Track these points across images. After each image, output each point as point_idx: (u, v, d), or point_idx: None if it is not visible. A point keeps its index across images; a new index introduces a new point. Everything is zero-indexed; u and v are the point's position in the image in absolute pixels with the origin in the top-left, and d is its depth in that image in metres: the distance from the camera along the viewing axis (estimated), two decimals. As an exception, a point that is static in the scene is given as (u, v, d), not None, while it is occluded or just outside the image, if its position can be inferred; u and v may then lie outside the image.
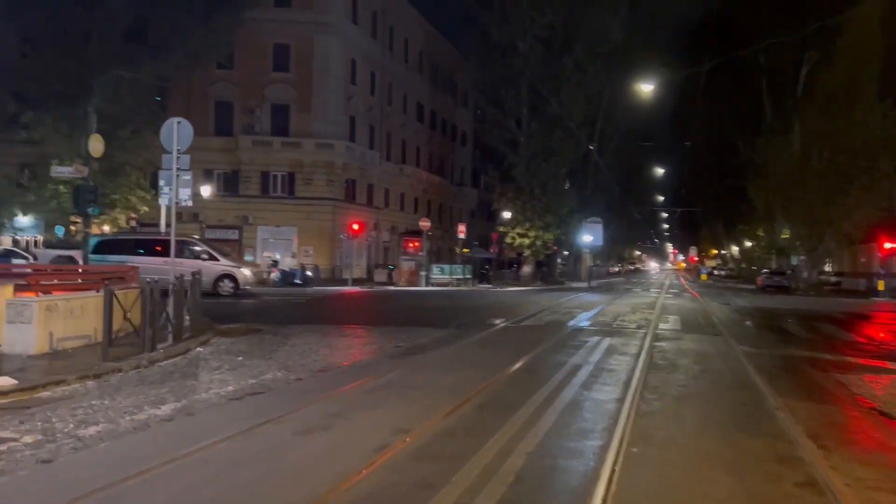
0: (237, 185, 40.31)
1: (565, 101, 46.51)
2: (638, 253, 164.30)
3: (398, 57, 49.61)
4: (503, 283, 41.29)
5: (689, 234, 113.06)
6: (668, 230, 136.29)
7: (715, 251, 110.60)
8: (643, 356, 10.06)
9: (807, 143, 44.22)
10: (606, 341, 11.80)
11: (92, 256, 20.57)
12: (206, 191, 35.36)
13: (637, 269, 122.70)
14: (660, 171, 70.11)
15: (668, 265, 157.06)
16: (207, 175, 40.05)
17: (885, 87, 41.17)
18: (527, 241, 47.43)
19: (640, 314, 17.72)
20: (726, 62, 51.84)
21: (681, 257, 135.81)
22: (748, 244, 68.81)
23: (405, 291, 29.26)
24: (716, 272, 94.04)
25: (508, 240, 47.75)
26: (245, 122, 40.19)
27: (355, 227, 32.67)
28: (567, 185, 50.54)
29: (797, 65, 44.98)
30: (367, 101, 45.15)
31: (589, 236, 43.04)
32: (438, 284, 34.84)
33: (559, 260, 61.40)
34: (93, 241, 21.69)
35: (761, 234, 55.00)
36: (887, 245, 36.19)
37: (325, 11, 40.11)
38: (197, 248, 23.80)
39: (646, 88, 29.20)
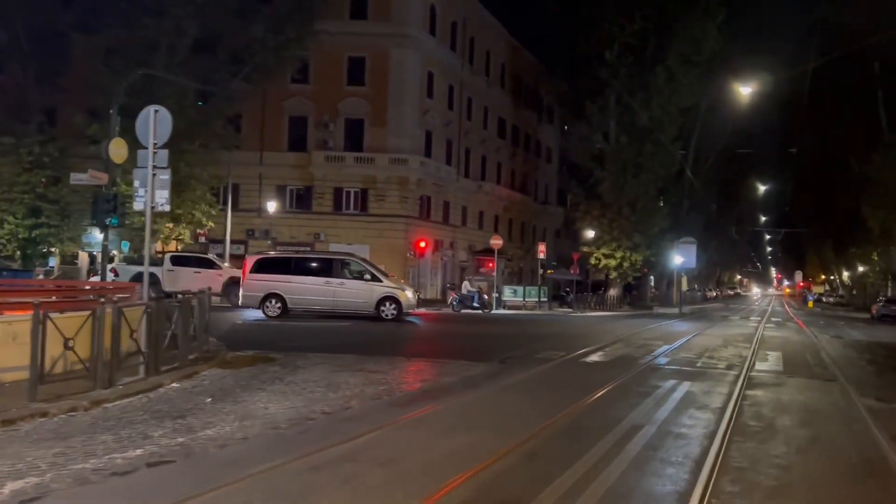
0: (310, 202, 39.37)
1: (656, 114, 43.52)
2: (739, 277, 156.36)
3: (478, 70, 47.87)
4: (585, 307, 38.54)
5: (795, 257, 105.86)
6: (771, 253, 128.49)
7: (823, 276, 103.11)
8: (729, 412, 7.60)
9: (930, 158, 39.78)
10: (684, 387, 9.33)
11: (250, 275, 20.35)
12: (272, 206, 34.38)
13: (737, 295, 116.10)
14: (761, 188, 64.92)
15: (772, 290, 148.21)
16: (280, 191, 39.39)
17: None
18: (613, 262, 44.54)
19: (734, 349, 14.95)
20: (837, 73, 47.92)
21: (786, 282, 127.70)
22: (861, 269, 63.11)
23: (471, 315, 27.13)
24: (824, 299, 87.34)
25: (593, 261, 44.97)
26: (318, 138, 39.27)
27: (422, 244, 30.84)
28: (660, 204, 47.35)
29: (916, 73, 40.54)
30: (445, 116, 43.54)
31: (681, 258, 39.72)
32: (512, 307, 32.55)
33: (650, 283, 57.91)
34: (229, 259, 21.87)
35: (876, 257, 49.88)
36: None
37: (402, 23, 38.84)
38: (358, 268, 21.97)
39: (744, 91, 26.16)
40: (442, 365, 10.78)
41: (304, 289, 20.31)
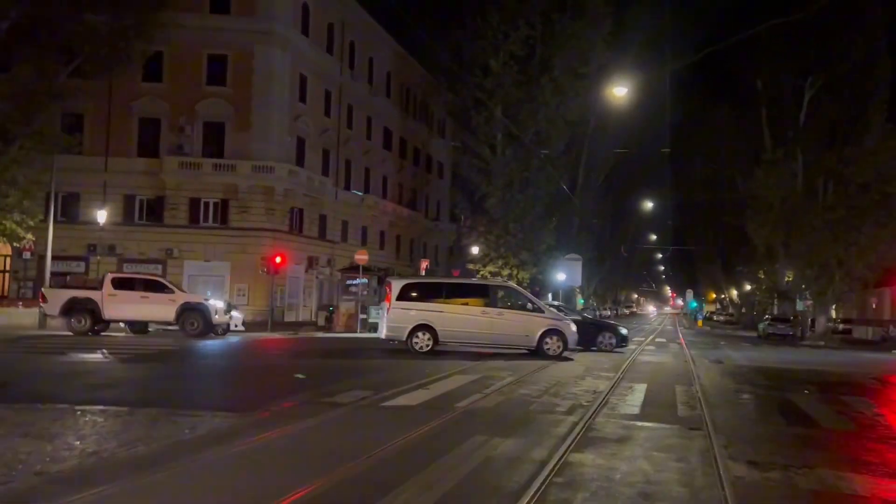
0: (162, 213, 35.35)
1: (543, 127, 41.93)
2: (636, 296, 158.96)
3: (360, 76, 45.07)
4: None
5: (688, 275, 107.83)
6: (664, 272, 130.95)
7: (713, 295, 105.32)
8: (528, 497, 4.90)
9: (811, 175, 39.73)
10: (487, 450, 6.58)
11: (396, 303, 17.29)
12: (102, 217, 30.23)
13: (633, 314, 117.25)
14: (649, 205, 64.85)
15: (668, 309, 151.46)
16: (128, 201, 35.22)
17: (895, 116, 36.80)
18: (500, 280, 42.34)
19: (592, 380, 12.46)
20: (723, 91, 48.04)
21: (679, 301, 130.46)
22: (748, 287, 63.73)
23: (323, 339, 23.91)
24: (714, 317, 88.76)
25: (479, 279, 42.62)
26: (173, 142, 35.41)
27: (277, 259, 27.50)
28: (549, 220, 45.63)
29: (798, 92, 40.56)
30: (321, 123, 40.43)
31: (563, 274, 37.91)
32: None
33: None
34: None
35: (762, 276, 49.86)
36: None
37: (268, 19, 35.61)
38: (517, 296, 18.90)
39: (619, 93, 24.39)
40: (179, 417, 7.64)
41: (458, 320, 17.25)
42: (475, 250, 42.07)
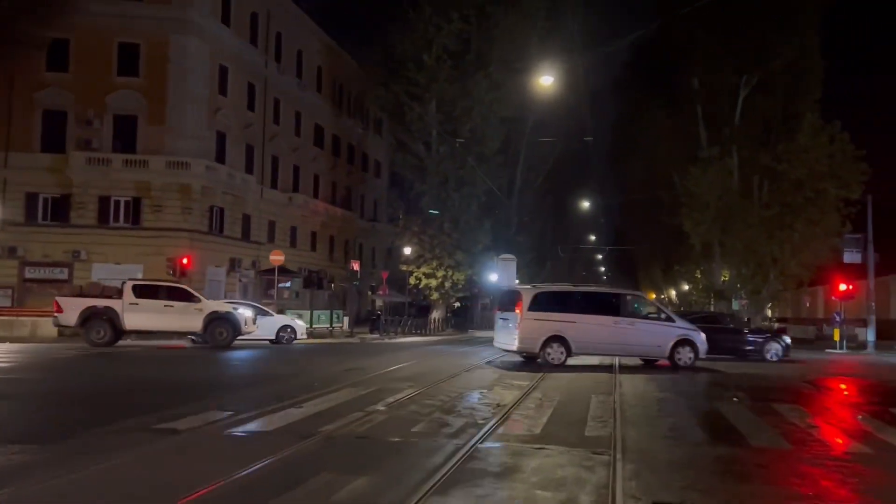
0: (68, 213, 32.88)
1: (478, 124, 40.84)
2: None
3: (288, 70, 43.15)
4: (399, 332, 34.49)
5: (629, 276, 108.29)
6: (605, 273, 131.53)
7: (653, 295, 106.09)
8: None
9: (746, 173, 39.54)
10: (334, 487, 5.18)
11: (527, 314, 16.42)
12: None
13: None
14: (586, 204, 64.43)
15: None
16: (31, 200, 32.71)
17: (828, 116, 36.65)
18: (434, 281, 41.11)
19: (501, 390, 11.15)
20: (660, 89, 47.57)
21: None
22: (686, 287, 63.73)
23: (230, 347, 22.16)
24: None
25: (412, 280, 41.30)
26: (80, 137, 33.00)
27: (185, 261, 25.56)
28: (484, 220, 44.47)
29: (733, 91, 40.38)
30: (244, 118, 38.41)
31: (495, 275, 36.77)
32: (318, 335, 27.36)
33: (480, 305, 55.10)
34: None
35: (698, 275, 49.58)
36: (842, 287, 30.71)
37: (184, 6, 33.49)
38: (649, 306, 18.61)
39: (545, 82, 23.29)
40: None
41: (591, 330, 16.45)
42: (408, 251, 40.58)
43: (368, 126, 55.74)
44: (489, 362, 17.29)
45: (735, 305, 39.68)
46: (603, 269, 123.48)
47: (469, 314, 49.11)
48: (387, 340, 29.98)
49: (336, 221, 49.38)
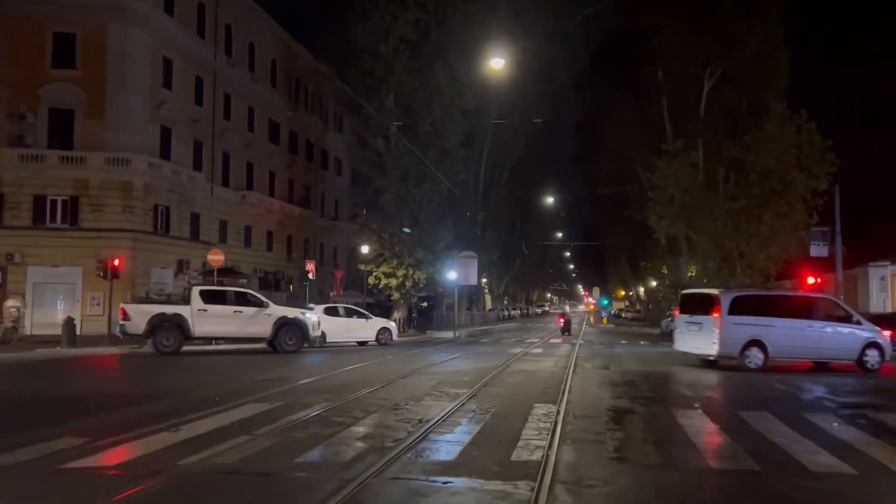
0: (0, 214, 30.87)
1: (439, 118, 39.43)
2: (549, 295, 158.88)
3: (239, 63, 41.38)
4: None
5: (599, 273, 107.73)
6: (576, 270, 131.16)
7: (622, 292, 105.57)
8: None
9: (712, 166, 38.65)
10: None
11: (728, 318, 16.35)
12: None
13: (545, 313, 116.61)
14: (550, 200, 63.43)
15: (581, 307, 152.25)
16: (-41, 199, 30.62)
17: (794, 107, 35.87)
18: (395, 280, 39.60)
19: (431, 401, 9.77)
20: (626, 84, 46.69)
21: (589, 299, 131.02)
22: (654, 283, 63.03)
23: (158, 356, 20.53)
24: (622, 315, 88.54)
25: (372, 280, 39.79)
26: (12, 132, 30.97)
27: (116, 262, 23.83)
28: (452, 218, 43.11)
29: (698, 82, 39.58)
30: (191, 112, 36.58)
31: (454, 273, 35.42)
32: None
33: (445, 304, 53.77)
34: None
35: (665, 270, 48.79)
36: (811, 280, 29.82)
37: (122, -7, 31.64)
38: (839, 309, 18.05)
39: (496, 65, 22.02)
40: None
41: (787, 334, 16.47)
42: (365, 249, 39.09)
43: (328, 122, 54.10)
44: (430, 365, 15.93)
45: (702, 301, 38.73)
46: (572, 266, 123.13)
47: (438, 312, 47.78)
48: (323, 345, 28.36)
49: (294, 220, 47.69)
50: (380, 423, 8.21)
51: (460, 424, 8.11)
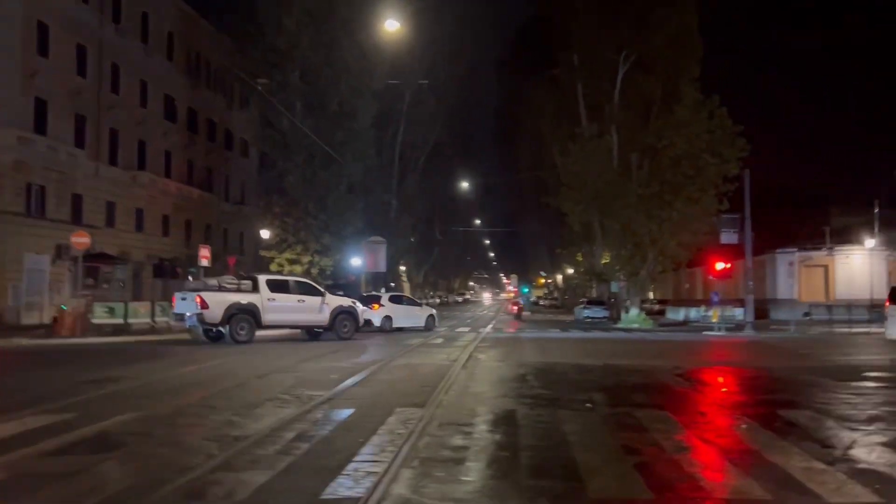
0: None
1: (347, 97, 37.45)
2: (471, 283, 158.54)
3: (131, 34, 38.24)
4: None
5: (519, 261, 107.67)
6: (498, 257, 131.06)
7: (542, 280, 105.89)
8: None
9: (626, 151, 38.20)
10: None
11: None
12: None
13: (466, 301, 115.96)
14: (465, 185, 62.26)
15: (504, 295, 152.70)
16: None
17: (706, 94, 35.57)
18: (299, 268, 37.49)
19: (255, 416, 8.00)
20: (543, 70, 45.79)
21: (510, 287, 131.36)
22: (570, 271, 62.84)
23: (21, 350, 18.00)
24: (541, 302, 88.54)
25: (274, 266, 37.53)
26: None
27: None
28: (362, 202, 41.16)
29: (613, 68, 39.04)
30: (72, 84, 33.43)
31: (358, 259, 33.67)
32: (121, 332, 22.87)
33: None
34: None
35: (580, 258, 48.30)
36: (719, 266, 29.43)
37: (-14, -53, 28.37)
38: None
39: (390, 27, 20.41)
40: None
41: None
42: (265, 234, 36.83)
43: (233, 101, 51.09)
44: (304, 360, 14.18)
45: (614, 287, 38.31)
46: (492, 254, 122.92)
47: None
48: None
49: (193, 204, 44.79)
50: (177, 442, 6.44)
51: (285, 441, 6.42)
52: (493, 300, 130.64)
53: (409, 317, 28.94)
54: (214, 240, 45.98)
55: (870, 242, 36.26)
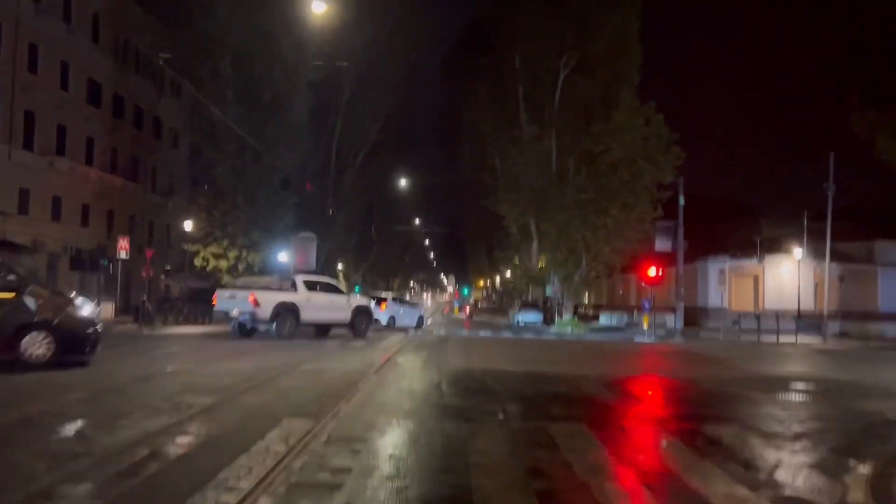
0: None
1: (283, 88, 36.23)
2: (412, 283, 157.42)
3: (52, 12, 36.11)
4: (170, 321, 29.24)
5: (458, 262, 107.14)
6: (436, 258, 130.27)
7: (481, 282, 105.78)
8: None
9: (564, 156, 38.02)
10: None
11: None
12: None
13: (405, 302, 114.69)
14: (412, 186, 61.50)
15: (445, 297, 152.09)
16: None
17: (645, 101, 35.65)
18: (225, 263, 36.11)
19: (132, 422, 7.07)
20: (485, 71, 45.27)
21: (450, 288, 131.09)
22: (507, 273, 62.58)
23: None
24: (479, 304, 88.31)
25: (199, 261, 36.07)
26: None
27: None
28: (294, 197, 39.88)
29: (554, 71, 38.82)
30: (-20, 59, 31.33)
31: (284, 255, 32.49)
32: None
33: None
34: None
35: (517, 261, 47.95)
36: (651, 272, 29.27)
37: None
38: None
39: (317, 9, 19.48)
40: None
41: None
42: (189, 226, 35.27)
43: (163, 88, 49.04)
44: (207, 362, 13.10)
45: (549, 291, 38.01)
46: (432, 254, 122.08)
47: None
48: (146, 332, 24.78)
49: (116, 193, 42.69)
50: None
51: (134, 461, 5.46)
52: (433, 301, 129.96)
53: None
54: (139, 231, 44.01)
55: (798, 253, 36.83)
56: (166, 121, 49.98)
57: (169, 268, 46.26)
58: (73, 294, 12.95)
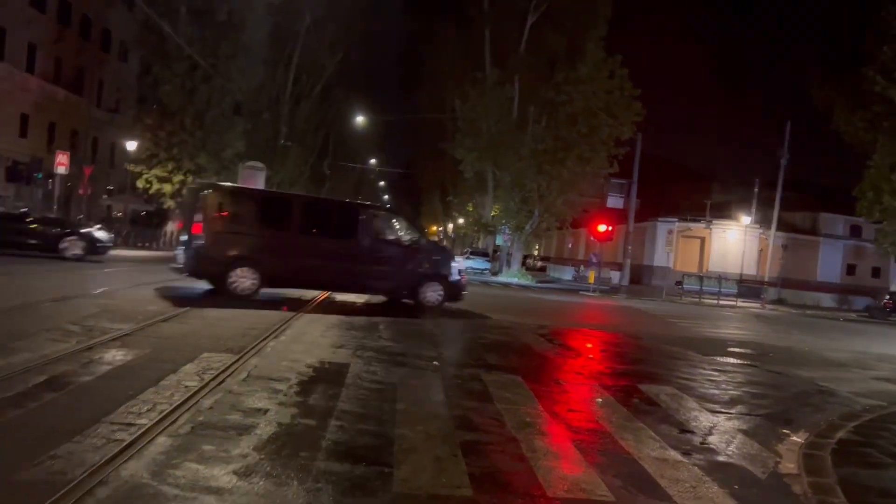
0: None
1: (239, 7, 34.60)
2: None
3: None
4: (114, 244, 28.04)
5: (413, 205, 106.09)
6: (390, 201, 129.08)
7: (434, 228, 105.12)
8: None
9: (526, 104, 37.41)
10: None
11: None
12: None
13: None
14: (370, 123, 60.11)
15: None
16: None
17: (613, 55, 35.12)
18: (170, 187, 34.91)
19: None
20: (452, 11, 43.97)
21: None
22: (461, 220, 62.16)
23: None
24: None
25: (142, 183, 34.79)
26: None
27: None
28: (245, 123, 38.49)
29: (522, 17, 37.89)
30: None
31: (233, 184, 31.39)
32: None
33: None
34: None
35: (471, 208, 47.51)
36: (601, 228, 29.27)
37: None
38: None
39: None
40: None
41: None
42: (132, 146, 33.84)
43: (113, -1, 46.40)
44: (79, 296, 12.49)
45: (499, 240, 37.86)
46: (386, 197, 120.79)
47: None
48: (89, 257, 23.70)
49: (57, 105, 40.56)
50: None
51: (26, 388, 4.98)
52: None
53: None
54: (82, 148, 42.09)
55: (746, 219, 37.32)
56: (116, 33, 47.41)
57: (112, 188, 44.66)
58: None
